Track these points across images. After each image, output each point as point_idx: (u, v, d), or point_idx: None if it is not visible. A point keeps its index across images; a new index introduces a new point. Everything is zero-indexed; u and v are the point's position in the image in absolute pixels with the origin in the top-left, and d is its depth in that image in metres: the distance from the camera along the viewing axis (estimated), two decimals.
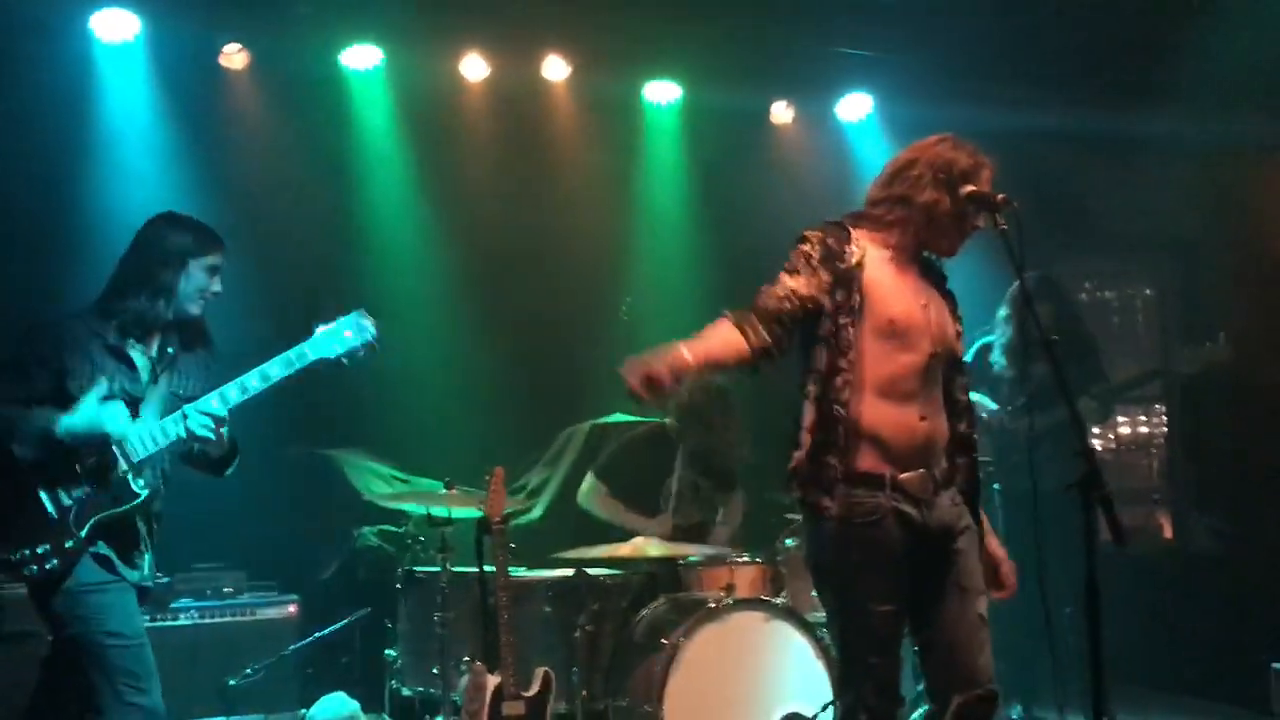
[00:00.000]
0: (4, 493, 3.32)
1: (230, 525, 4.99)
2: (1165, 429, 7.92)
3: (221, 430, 3.38)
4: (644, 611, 4.43)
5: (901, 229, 3.15)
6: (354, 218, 5.88)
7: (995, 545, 3.25)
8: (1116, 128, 6.98)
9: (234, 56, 5.59)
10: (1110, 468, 7.84)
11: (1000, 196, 3.08)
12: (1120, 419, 7.81)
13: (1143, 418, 7.90)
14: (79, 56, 5.31)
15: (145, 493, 3.37)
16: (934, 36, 6.26)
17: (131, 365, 3.48)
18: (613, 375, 6.14)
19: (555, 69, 6.03)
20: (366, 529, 5.44)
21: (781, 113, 6.61)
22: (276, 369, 3.45)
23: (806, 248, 3.10)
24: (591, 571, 4.51)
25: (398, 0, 5.58)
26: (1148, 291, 8.09)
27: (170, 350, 3.55)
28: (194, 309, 3.57)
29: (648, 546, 4.54)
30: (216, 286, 3.61)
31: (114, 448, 3.33)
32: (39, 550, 3.26)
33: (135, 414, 3.40)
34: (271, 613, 4.91)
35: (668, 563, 4.67)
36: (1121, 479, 7.97)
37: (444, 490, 4.50)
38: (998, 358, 5.82)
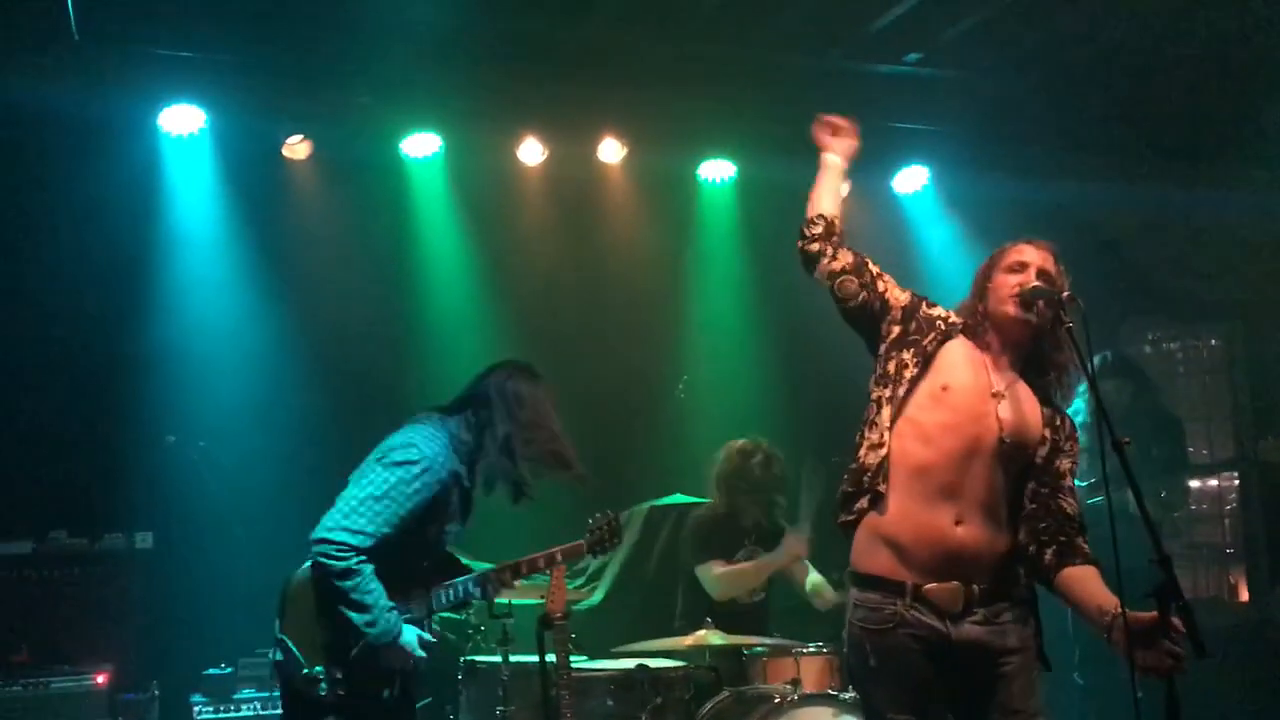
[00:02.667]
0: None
1: None
2: (1238, 483, 7.74)
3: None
4: (707, 706, 4.37)
5: (983, 330, 3.14)
6: (415, 302, 5.96)
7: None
8: (1175, 194, 6.93)
9: (297, 147, 5.71)
10: (1180, 523, 7.68)
11: (1066, 294, 3.05)
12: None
13: (1212, 478, 7.75)
14: (148, 151, 5.46)
15: (435, 640, 3.58)
16: (989, 109, 6.27)
17: (465, 510, 3.67)
18: (670, 454, 6.20)
19: (610, 150, 6.09)
20: None
21: None
22: (560, 557, 3.72)
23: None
24: (653, 664, 4.46)
25: (455, 88, 5.67)
26: (1214, 342, 7.97)
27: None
28: None
29: (710, 636, 4.48)
30: None
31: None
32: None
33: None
34: None
35: (732, 653, 4.61)
36: (1193, 536, 7.80)
37: None
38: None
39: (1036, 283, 3.07)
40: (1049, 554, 3.02)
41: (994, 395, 3.05)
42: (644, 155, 6.14)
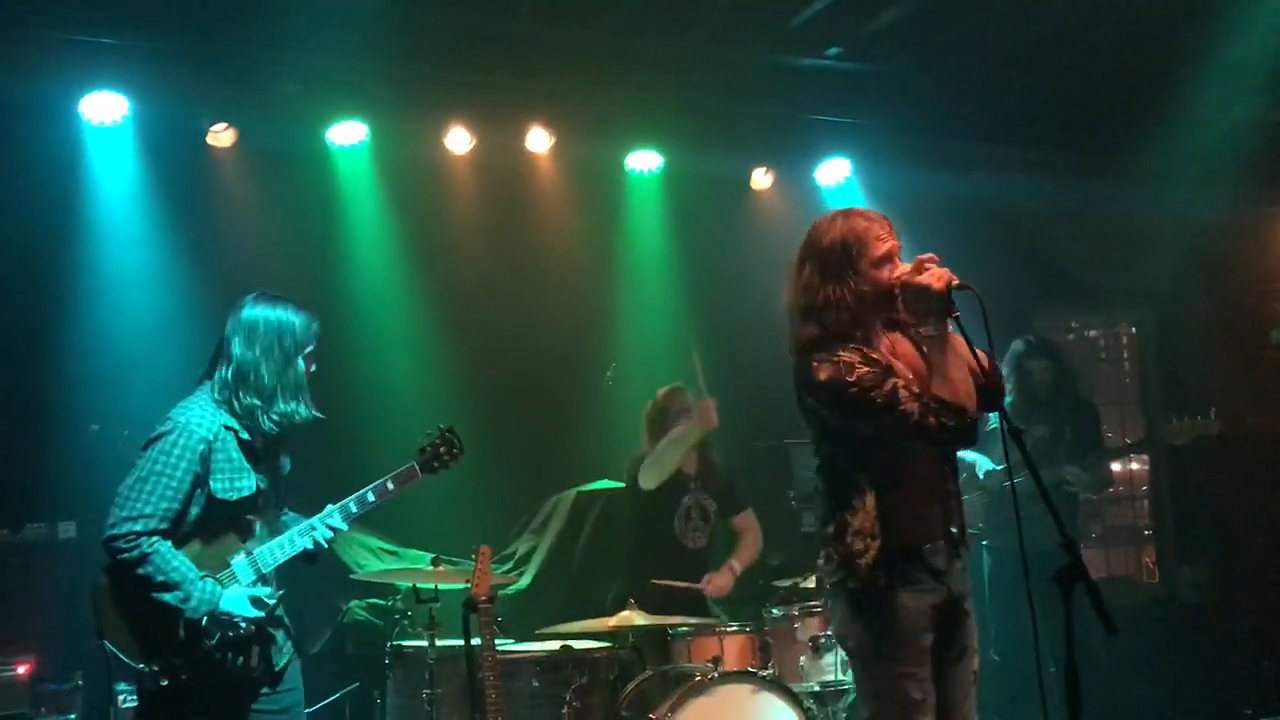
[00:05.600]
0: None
1: None
2: (1149, 470, 8.03)
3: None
4: (630, 685, 4.46)
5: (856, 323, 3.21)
6: (340, 291, 5.93)
7: None
8: (1092, 186, 7.13)
9: (221, 135, 5.66)
10: (1097, 506, 7.98)
11: (957, 283, 3.06)
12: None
13: (1131, 458, 8.00)
14: (69, 139, 5.39)
15: (274, 601, 3.45)
16: (910, 101, 6.41)
17: (259, 458, 3.47)
18: (597, 441, 6.28)
19: (538, 140, 6.10)
20: (355, 602, 5.45)
21: (761, 179, 6.70)
22: (392, 484, 3.64)
23: (860, 362, 3.09)
24: (578, 645, 4.54)
25: (382, 77, 5.66)
26: (1133, 329, 8.22)
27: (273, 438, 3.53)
28: None
29: (634, 617, 4.57)
30: (313, 368, 3.59)
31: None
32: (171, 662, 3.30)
33: (259, 505, 3.46)
34: None
35: (657, 633, 4.70)
36: (1110, 518, 8.08)
37: (430, 567, 4.54)
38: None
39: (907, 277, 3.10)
40: None
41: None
42: (572, 145, 6.17)
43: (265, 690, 3.46)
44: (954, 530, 3.23)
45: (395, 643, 4.72)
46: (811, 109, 6.44)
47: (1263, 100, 6.57)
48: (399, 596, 4.92)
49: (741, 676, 4.33)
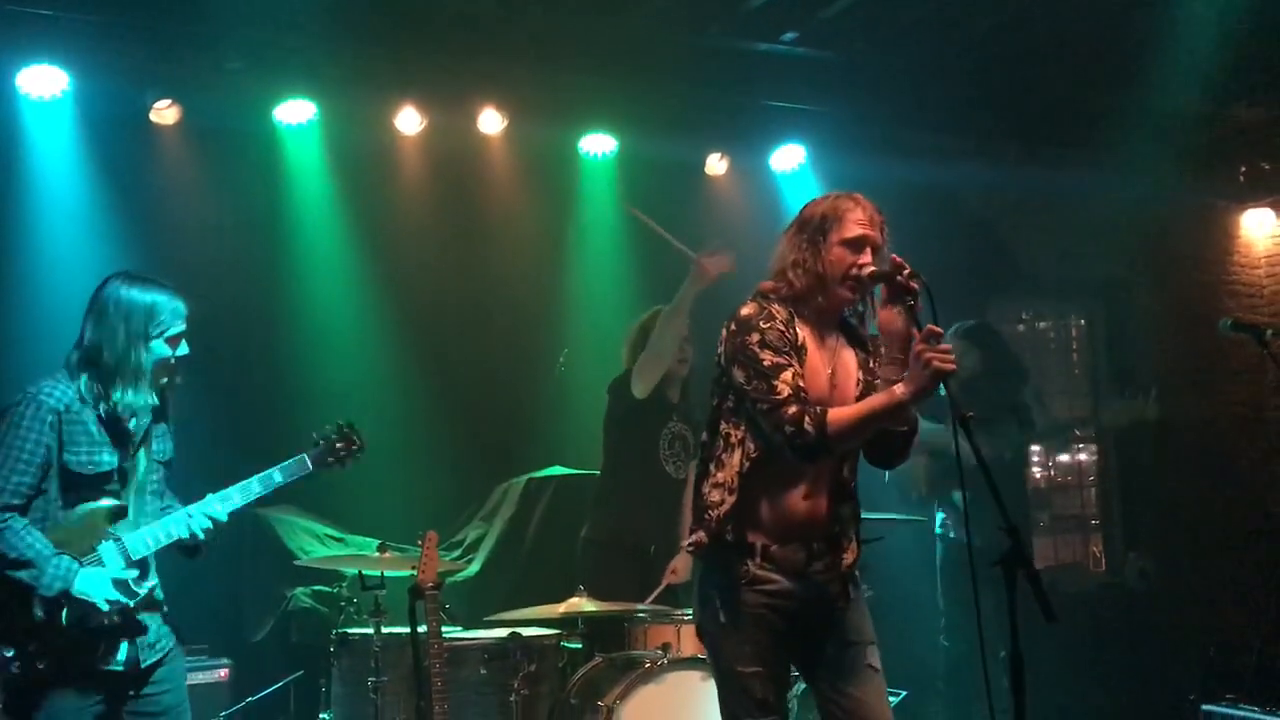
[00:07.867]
0: None
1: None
2: (1097, 459, 8.11)
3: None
4: (580, 672, 4.42)
5: (809, 297, 3.16)
6: (288, 272, 5.84)
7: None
8: (1043, 176, 7.17)
9: (165, 112, 5.51)
10: (1046, 494, 8.05)
11: (907, 272, 3.04)
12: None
13: (1080, 446, 8.08)
14: (5, 113, 5.23)
15: (144, 590, 3.30)
16: (865, 89, 6.40)
17: (124, 438, 3.34)
18: (549, 428, 6.22)
19: (491, 122, 6.00)
20: (300, 590, 5.37)
21: (716, 164, 6.65)
22: (279, 476, 3.50)
23: (780, 326, 3.06)
24: (526, 632, 4.49)
25: (331, 55, 5.54)
26: (1082, 322, 8.29)
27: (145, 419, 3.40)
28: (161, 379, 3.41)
29: (583, 604, 4.53)
30: (182, 351, 3.41)
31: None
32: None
33: (124, 486, 3.32)
34: (202, 677, 4.80)
35: (613, 620, 4.63)
36: (1058, 507, 8.17)
37: (377, 553, 4.47)
38: None
39: (875, 267, 3.08)
40: None
41: (829, 375, 3.15)
42: (525, 127, 6.07)
43: (136, 689, 3.31)
44: (835, 530, 3.16)
45: (340, 630, 4.65)
46: (767, 94, 6.39)
47: (1212, 93, 6.64)
48: (344, 583, 4.85)
49: (691, 663, 4.30)
